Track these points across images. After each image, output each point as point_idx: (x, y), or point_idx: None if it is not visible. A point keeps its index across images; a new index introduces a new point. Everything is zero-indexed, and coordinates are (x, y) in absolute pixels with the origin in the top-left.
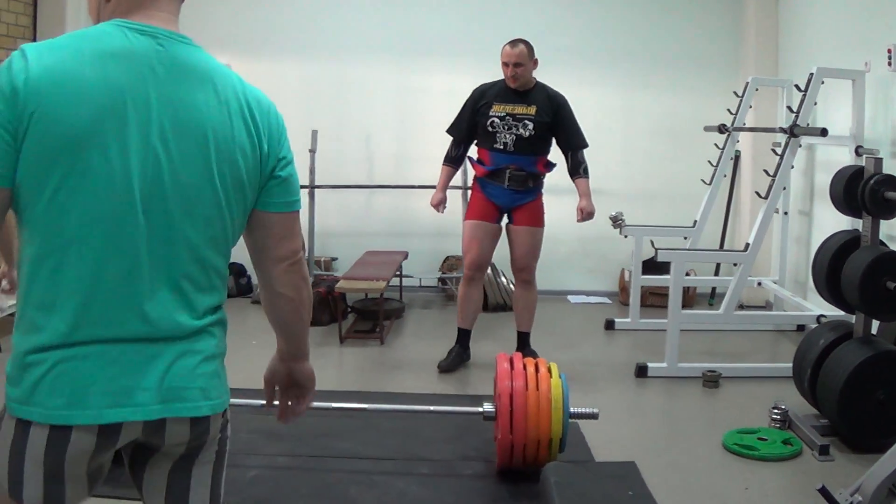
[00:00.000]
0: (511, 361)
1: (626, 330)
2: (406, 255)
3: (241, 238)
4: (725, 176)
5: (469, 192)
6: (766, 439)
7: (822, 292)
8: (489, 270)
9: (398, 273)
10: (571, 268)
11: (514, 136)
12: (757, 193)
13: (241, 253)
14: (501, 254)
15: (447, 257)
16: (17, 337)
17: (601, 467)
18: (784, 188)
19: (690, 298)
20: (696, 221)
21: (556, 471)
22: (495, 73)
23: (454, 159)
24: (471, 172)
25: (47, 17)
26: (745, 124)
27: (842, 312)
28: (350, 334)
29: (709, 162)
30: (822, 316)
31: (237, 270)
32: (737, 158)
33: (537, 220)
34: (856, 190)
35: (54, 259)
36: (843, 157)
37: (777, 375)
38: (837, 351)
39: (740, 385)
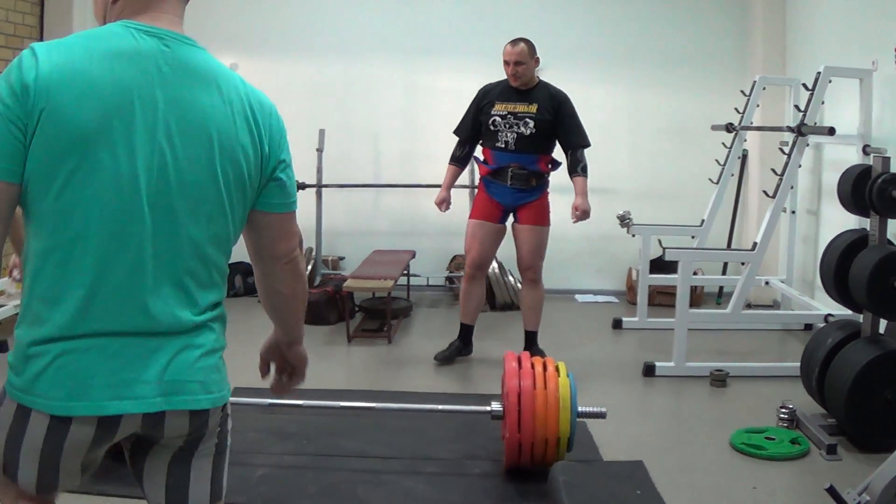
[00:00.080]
0: (519, 360)
1: (634, 329)
2: (413, 255)
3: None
4: (733, 175)
5: (476, 191)
6: (773, 439)
7: (830, 291)
8: (497, 269)
9: (406, 272)
10: (579, 267)
11: (516, 135)
12: (765, 192)
13: (247, 252)
14: (509, 253)
15: (454, 256)
16: (22, 329)
17: (609, 466)
18: (792, 187)
19: (698, 297)
20: (703, 220)
21: (564, 470)
22: (502, 73)
23: (459, 159)
24: (479, 172)
25: (54, 17)
26: (752, 123)
27: (849, 312)
28: (358, 333)
29: (716, 161)
30: (829, 315)
31: (244, 270)
32: (744, 157)
33: (542, 218)
34: (863, 189)
35: (60, 253)
36: (851, 156)
37: (785, 375)
38: (845, 350)
39: (748, 384)
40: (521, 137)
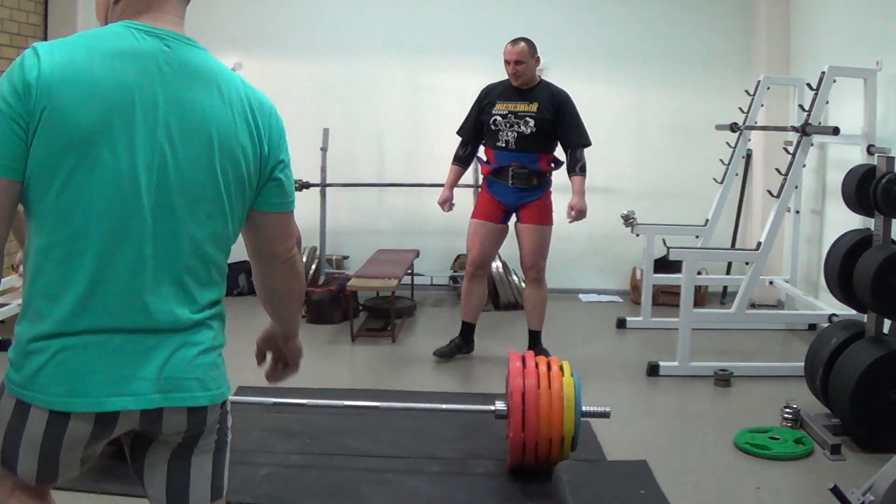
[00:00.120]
0: (523, 360)
1: (638, 329)
2: (417, 254)
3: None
4: (737, 175)
5: (479, 190)
6: (777, 438)
7: (834, 291)
8: (500, 269)
9: (409, 271)
10: (583, 266)
11: (516, 134)
12: (769, 192)
13: None
14: (512, 252)
15: (458, 256)
16: (22, 325)
17: (613, 466)
18: (796, 187)
19: (702, 297)
20: (707, 220)
21: (568, 469)
22: (503, 73)
23: (462, 159)
24: (481, 171)
25: (58, 16)
26: (756, 123)
27: (854, 311)
28: (361, 332)
29: (720, 160)
30: (833, 315)
31: (248, 269)
32: (748, 157)
33: (544, 218)
34: (868, 189)
35: (60, 250)
36: (855, 156)
37: (789, 374)
38: (849, 350)
39: (752, 384)
40: (521, 136)
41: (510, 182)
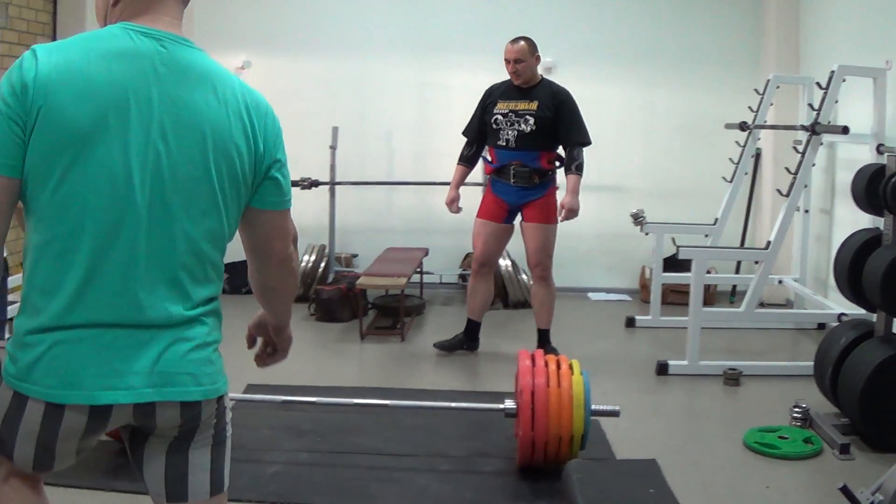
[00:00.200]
0: (533, 358)
1: (647, 327)
2: (426, 252)
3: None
4: (746, 173)
5: None
6: (786, 438)
7: (844, 291)
8: (510, 267)
9: (419, 270)
10: (592, 265)
11: (516, 132)
12: (778, 191)
13: None
14: (521, 251)
15: (468, 254)
16: (20, 319)
17: (622, 465)
18: (805, 186)
19: (711, 296)
20: (717, 219)
21: (578, 468)
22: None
23: (467, 159)
24: (484, 171)
25: (66, 15)
26: (766, 122)
27: (863, 311)
28: (371, 331)
29: (730, 159)
30: (843, 314)
31: None
32: (758, 156)
33: (547, 216)
34: (877, 188)
35: (56, 246)
36: (865, 156)
37: (798, 374)
38: (858, 350)
39: (761, 383)
40: (521, 135)
41: (512, 181)
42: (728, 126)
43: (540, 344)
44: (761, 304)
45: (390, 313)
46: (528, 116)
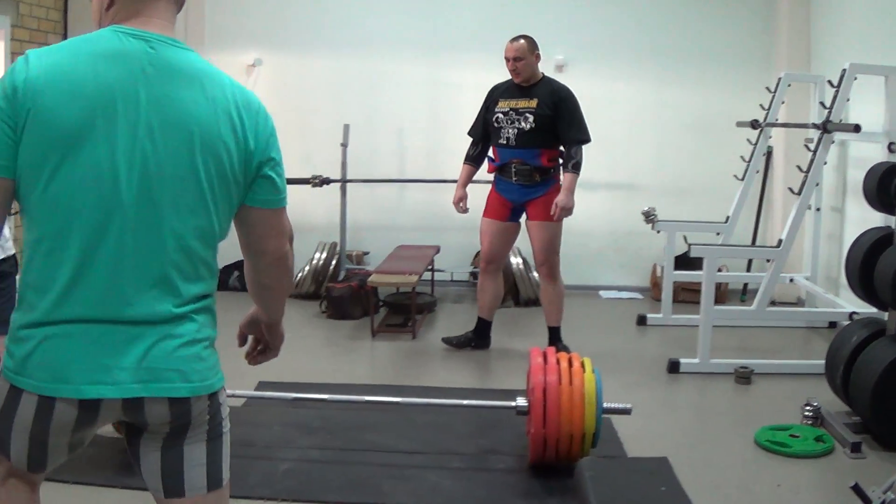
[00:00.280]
0: (545, 356)
1: (658, 325)
2: (438, 250)
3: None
4: (758, 172)
5: None
6: (798, 436)
7: (855, 289)
8: (521, 265)
9: (430, 267)
10: (603, 263)
11: (516, 130)
12: (790, 189)
13: None
14: (531, 249)
15: (478, 251)
16: (16, 314)
17: (634, 463)
18: (817, 184)
19: (722, 294)
20: (728, 217)
21: (590, 465)
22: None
23: (473, 158)
24: (487, 169)
25: (77, 12)
26: (777, 120)
27: (874, 309)
28: (382, 328)
29: (741, 157)
30: (854, 313)
31: None
32: (769, 154)
33: (551, 214)
34: (889, 186)
35: (47, 244)
36: (876, 154)
37: (809, 372)
38: (870, 348)
39: (772, 381)
40: (521, 133)
41: (513, 179)
42: (739, 124)
43: (551, 342)
44: (772, 303)
45: (401, 311)
46: (527, 114)
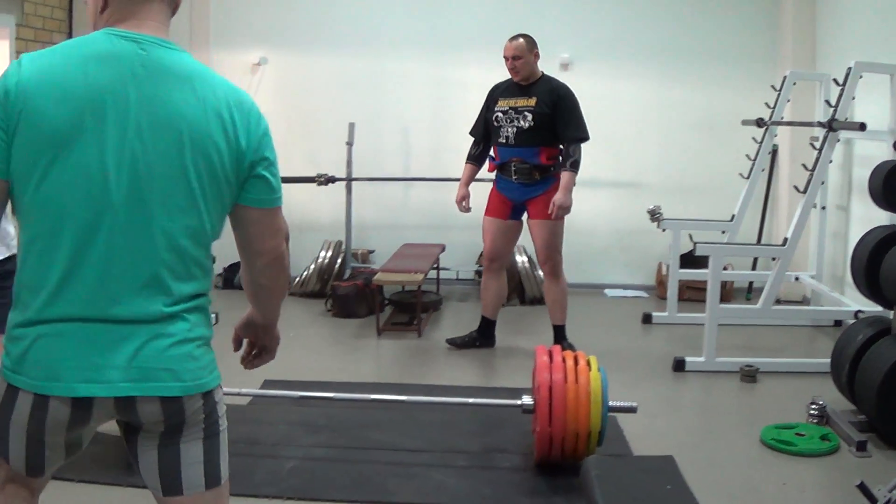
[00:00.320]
0: (550, 354)
1: (664, 324)
2: (443, 248)
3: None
4: (763, 170)
5: None
6: (803, 435)
7: (861, 288)
8: (526, 263)
9: (435, 266)
10: (608, 261)
11: (515, 129)
12: (795, 188)
13: None
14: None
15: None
16: (12, 313)
17: (640, 461)
18: (822, 183)
19: (728, 293)
20: (733, 216)
21: (596, 464)
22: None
23: (475, 157)
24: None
25: (82, 12)
26: (783, 118)
27: (880, 308)
28: (387, 327)
29: (746, 156)
30: (859, 311)
31: None
32: (774, 152)
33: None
34: (894, 185)
35: (40, 244)
36: (882, 152)
37: (815, 371)
38: (875, 347)
39: (778, 380)
40: (520, 131)
41: (513, 177)
42: (745, 122)
43: (556, 340)
44: (778, 301)
45: (407, 309)
46: (526, 113)
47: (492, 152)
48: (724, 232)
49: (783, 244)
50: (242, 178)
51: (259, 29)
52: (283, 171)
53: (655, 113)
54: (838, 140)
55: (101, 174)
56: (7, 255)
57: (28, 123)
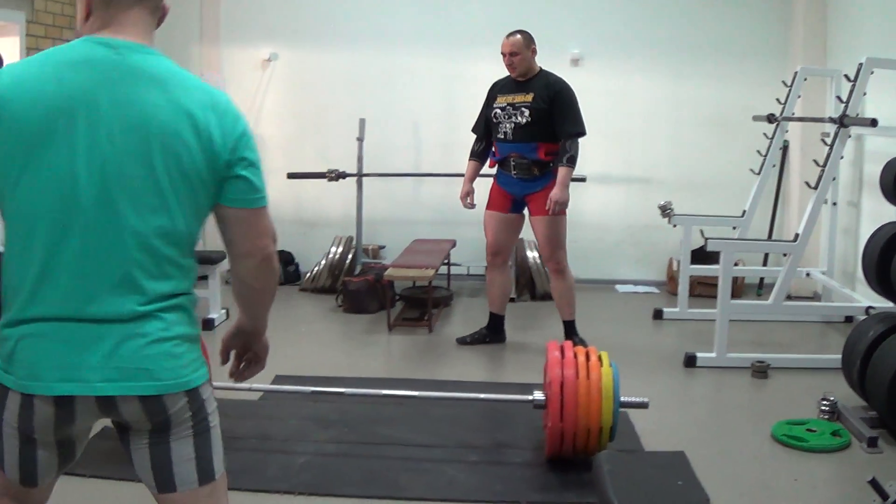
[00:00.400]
0: (562, 350)
1: (675, 320)
2: (454, 244)
3: (286, 230)
4: (774, 166)
5: None
6: (814, 430)
7: (872, 283)
8: (537, 259)
9: (446, 261)
10: (619, 257)
11: (513, 125)
12: (807, 184)
13: (287, 241)
14: None
15: None
16: (3, 314)
17: (651, 457)
18: (833, 178)
19: (739, 288)
20: (744, 211)
21: (608, 459)
22: (539, 62)
23: (477, 154)
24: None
25: None
26: (794, 114)
27: (891, 304)
28: (398, 322)
29: (758, 152)
30: (870, 307)
31: (284, 259)
32: (785, 148)
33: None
34: None
35: (18, 247)
36: (893, 148)
37: (826, 367)
38: (887, 343)
39: (789, 376)
40: (517, 127)
41: (512, 172)
42: (756, 118)
43: (567, 335)
44: (788, 297)
45: (418, 305)
46: (523, 108)
47: (493, 148)
48: (734, 228)
49: (794, 240)
50: (220, 177)
51: (269, 25)
52: (294, 166)
53: (666, 109)
54: (849, 136)
55: (71, 176)
56: None
57: (4, 129)
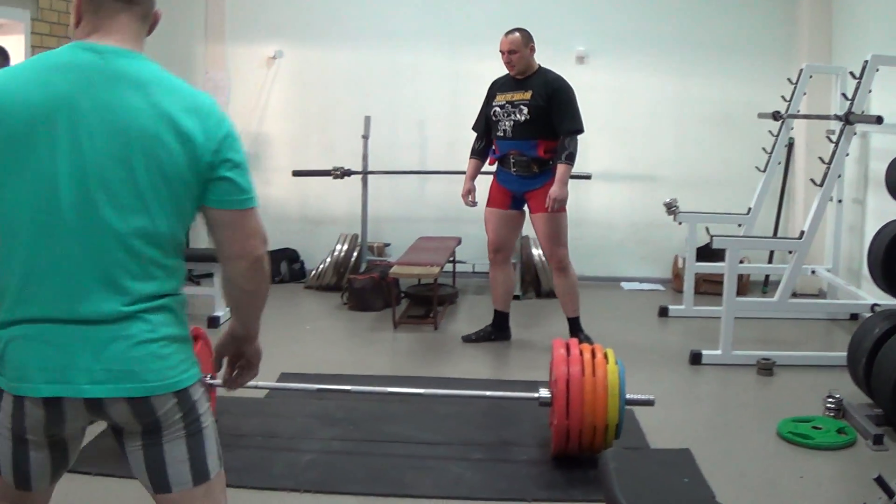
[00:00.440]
0: (568, 347)
1: (680, 317)
2: (459, 241)
3: (291, 228)
4: (780, 163)
5: None
6: (820, 428)
7: (877, 281)
8: (542, 256)
9: (451, 259)
10: (625, 254)
11: (512, 122)
12: (812, 181)
13: (293, 238)
14: None
15: None
16: None
17: (657, 454)
18: (839, 176)
19: (744, 286)
20: (750, 209)
21: (614, 457)
22: (545, 60)
23: (478, 152)
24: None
25: None
26: (799, 111)
27: None
28: (404, 319)
29: (763, 149)
30: (876, 305)
31: (290, 256)
32: (791, 146)
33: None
34: None
35: (4, 250)
36: None
37: (831, 364)
38: (892, 340)
39: (794, 373)
40: (517, 124)
41: (512, 170)
42: (761, 115)
43: (572, 332)
44: (794, 295)
45: (423, 302)
46: (522, 106)
47: (493, 146)
48: (740, 225)
49: (799, 237)
50: (203, 179)
51: (275, 22)
52: (299, 164)
53: (671, 106)
54: (855, 133)
55: (51, 179)
56: None
57: None
